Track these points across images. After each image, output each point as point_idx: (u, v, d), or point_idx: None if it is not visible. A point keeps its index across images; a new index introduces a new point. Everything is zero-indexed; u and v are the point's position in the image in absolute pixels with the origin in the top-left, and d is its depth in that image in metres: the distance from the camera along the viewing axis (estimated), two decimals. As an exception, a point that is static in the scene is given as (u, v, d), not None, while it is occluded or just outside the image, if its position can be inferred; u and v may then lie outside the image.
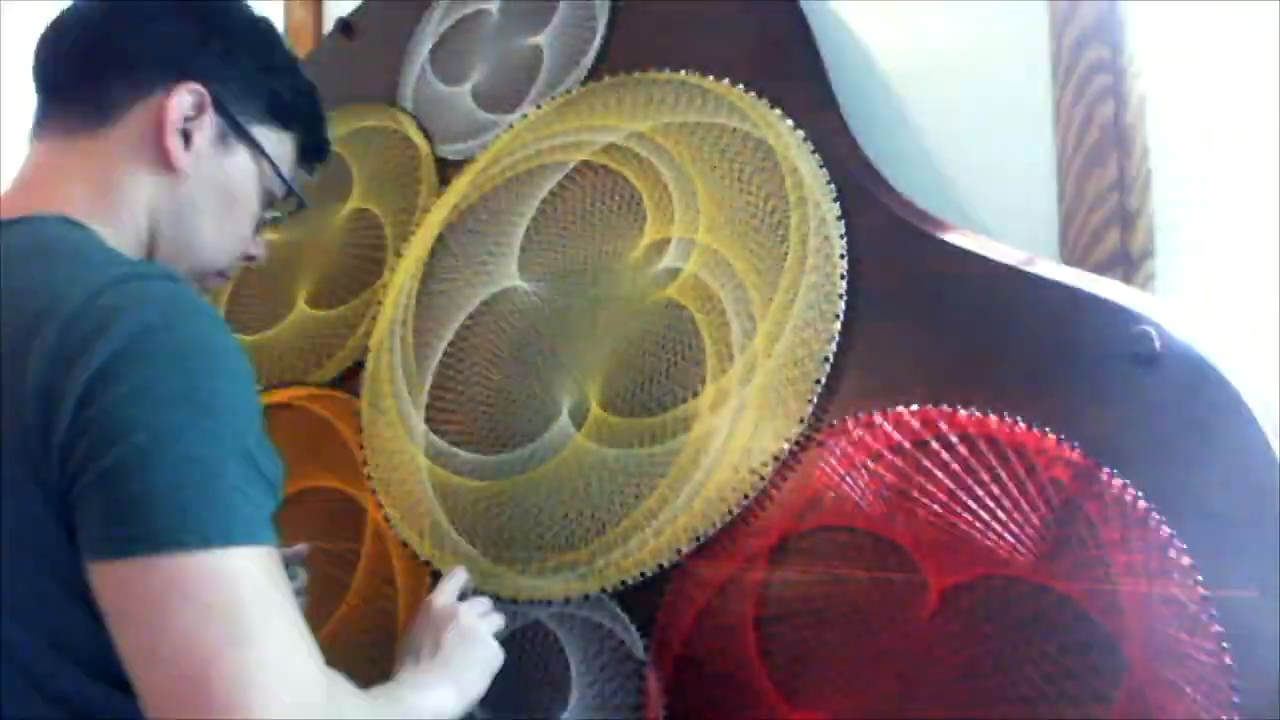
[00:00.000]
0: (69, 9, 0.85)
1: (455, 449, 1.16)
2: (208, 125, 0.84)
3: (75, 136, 0.82)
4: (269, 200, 0.92)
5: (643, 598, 1.01)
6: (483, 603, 1.01)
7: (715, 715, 0.96)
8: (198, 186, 0.85)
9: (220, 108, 0.84)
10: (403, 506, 1.18)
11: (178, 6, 0.85)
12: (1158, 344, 0.84)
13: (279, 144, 0.90)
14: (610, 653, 1.02)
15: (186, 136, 0.83)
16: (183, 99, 0.82)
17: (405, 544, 1.17)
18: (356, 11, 1.49)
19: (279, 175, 0.90)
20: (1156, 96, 1.01)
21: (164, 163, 0.82)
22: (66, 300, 0.69)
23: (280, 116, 0.90)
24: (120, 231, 0.82)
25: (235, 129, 0.86)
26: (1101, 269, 1.00)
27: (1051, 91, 1.03)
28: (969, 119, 1.08)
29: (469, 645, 0.95)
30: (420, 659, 0.94)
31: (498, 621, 1.00)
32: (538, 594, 1.06)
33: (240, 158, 0.87)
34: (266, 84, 0.88)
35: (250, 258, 0.94)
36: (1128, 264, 0.99)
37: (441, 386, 1.20)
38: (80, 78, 0.83)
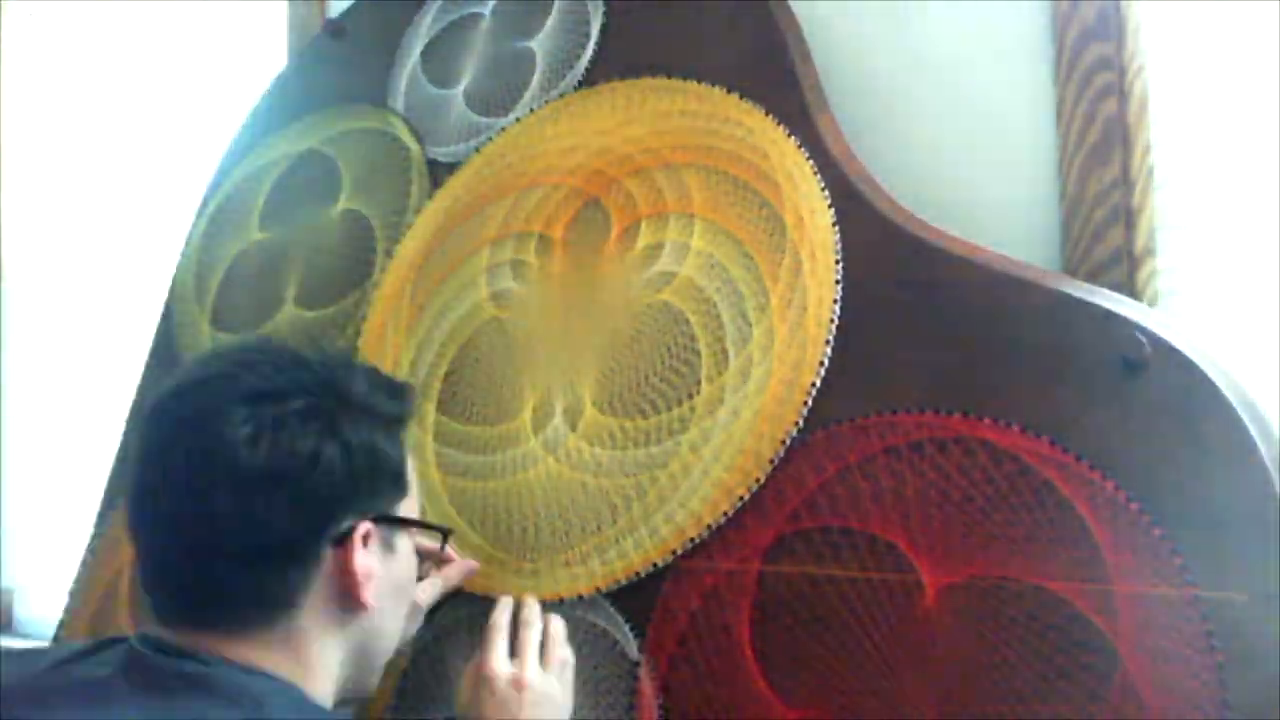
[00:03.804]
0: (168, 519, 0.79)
1: (449, 449, 1.16)
2: (375, 547, 0.82)
3: (250, 629, 0.77)
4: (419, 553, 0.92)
5: (637, 598, 1.02)
6: (536, 633, 0.96)
7: (710, 715, 0.96)
8: (382, 607, 0.83)
9: (376, 521, 0.82)
10: (391, 507, 1.18)
11: (303, 463, 0.77)
12: (1148, 349, 0.86)
13: (412, 499, 0.88)
14: (604, 653, 1.03)
15: (367, 574, 0.80)
16: (358, 552, 0.79)
17: (394, 544, 1.17)
18: (347, 12, 1.49)
19: (428, 531, 0.91)
20: (1159, 94, 1.02)
21: (353, 607, 0.80)
22: None
23: (404, 477, 0.87)
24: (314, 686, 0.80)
25: (395, 525, 0.84)
26: (1103, 266, 1.01)
27: (1053, 89, 1.05)
28: (970, 116, 1.09)
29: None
30: None
31: (565, 655, 0.97)
32: (532, 594, 1.07)
33: (405, 547, 0.87)
34: (389, 464, 0.84)
35: None
36: (1130, 261, 1.00)
37: (435, 388, 1.20)
38: (239, 581, 0.77)
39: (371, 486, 0.82)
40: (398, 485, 0.85)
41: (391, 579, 0.84)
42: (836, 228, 1.02)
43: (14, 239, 1.90)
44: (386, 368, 1.23)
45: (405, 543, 0.87)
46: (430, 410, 1.19)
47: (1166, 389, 0.85)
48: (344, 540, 0.79)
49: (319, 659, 0.80)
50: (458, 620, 1.11)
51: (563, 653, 0.98)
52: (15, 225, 1.90)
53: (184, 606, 0.78)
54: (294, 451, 0.76)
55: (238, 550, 0.76)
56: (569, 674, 0.97)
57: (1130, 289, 1.00)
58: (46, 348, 1.91)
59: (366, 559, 0.80)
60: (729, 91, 1.12)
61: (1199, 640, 0.80)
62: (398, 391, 0.87)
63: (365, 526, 0.80)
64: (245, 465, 0.75)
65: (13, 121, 1.84)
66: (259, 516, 0.75)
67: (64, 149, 1.86)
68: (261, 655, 0.77)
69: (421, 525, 0.89)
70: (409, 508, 0.88)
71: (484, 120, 1.29)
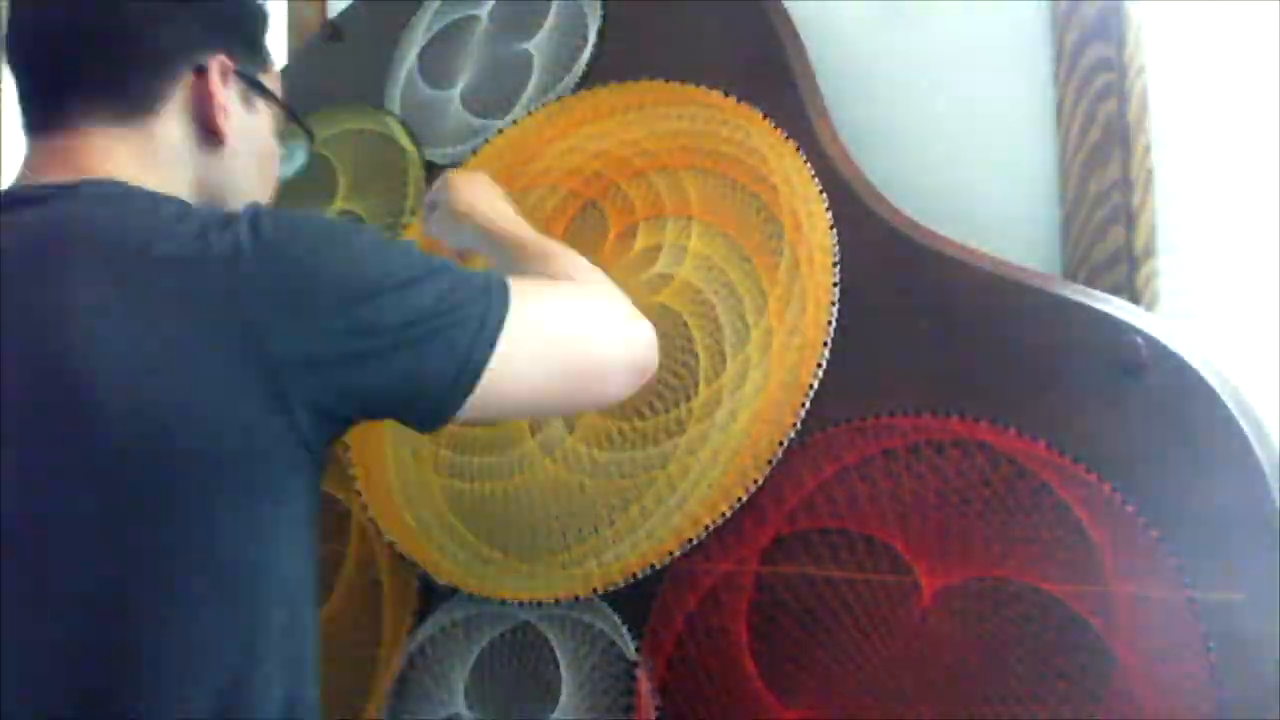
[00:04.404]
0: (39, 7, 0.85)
1: (445, 450, 1.16)
2: (234, 91, 0.87)
3: (110, 127, 0.83)
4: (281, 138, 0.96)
5: (635, 599, 1.02)
6: None
7: (707, 716, 0.97)
8: (239, 153, 0.88)
9: (238, 70, 0.88)
10: (389, 507, 1.19)
11: None
12: (1145, 353, 0.86)
13: (274, 80, 0.94)
14: (601, 654, 1.03)
15: (225, 108, 0.86)
16: (215, 76, 0.85)
17: (391, 545, 1.17)
18: (343, 14, 1.49)
19: (294, 117, 0.96)
20: (1159, 94, 1.02)
21: (211, 140, 0.86)
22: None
23: (263, 51, 0.93)
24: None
25: (253, 86, 0.90)
26: (1104, 267, 1.01)
27: (1053, 89, 1.05)
28: (970, 117, 1.09)
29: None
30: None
31: None
32: (528, 595, 1.07)
33: (262, 113, 0.91)
34: (248, 28, 0.91)
35: None
36: (1130, 262, 1.00)
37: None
38: (113, 71, 0.84)
39: (236, 39, 0.89)
40: (255, 51, 0.92)
41: (249, 130, 0.90)
42: (834, 230, 1.02)
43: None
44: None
45: (266, 112, 0.93)
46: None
47: (1163, 392, 0.85)
48: (204, 68, 0.85)
49: (170, 174, 0.84)
50: (454, 621, 1.12)
51: None
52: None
53: (57, 95, 0.84)
54: None
55: (114, 38, 0.84)
56: None
57: (1130, 290, 1.01)
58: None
59: (225, 94, 0.86)
60: (726, 94, 1.12)
61: (1195, 641, 0.81)
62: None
63: (226, 63, 0.86)
64: None
65: (13, 121, 1.84)
66: (136, 19, 0.84)
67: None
68: (120, 157, 0.82)
69: (274, 99, 0.93)
70: (275, 86, 0.94)
71: (481, 122, 1.29)
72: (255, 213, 0.75)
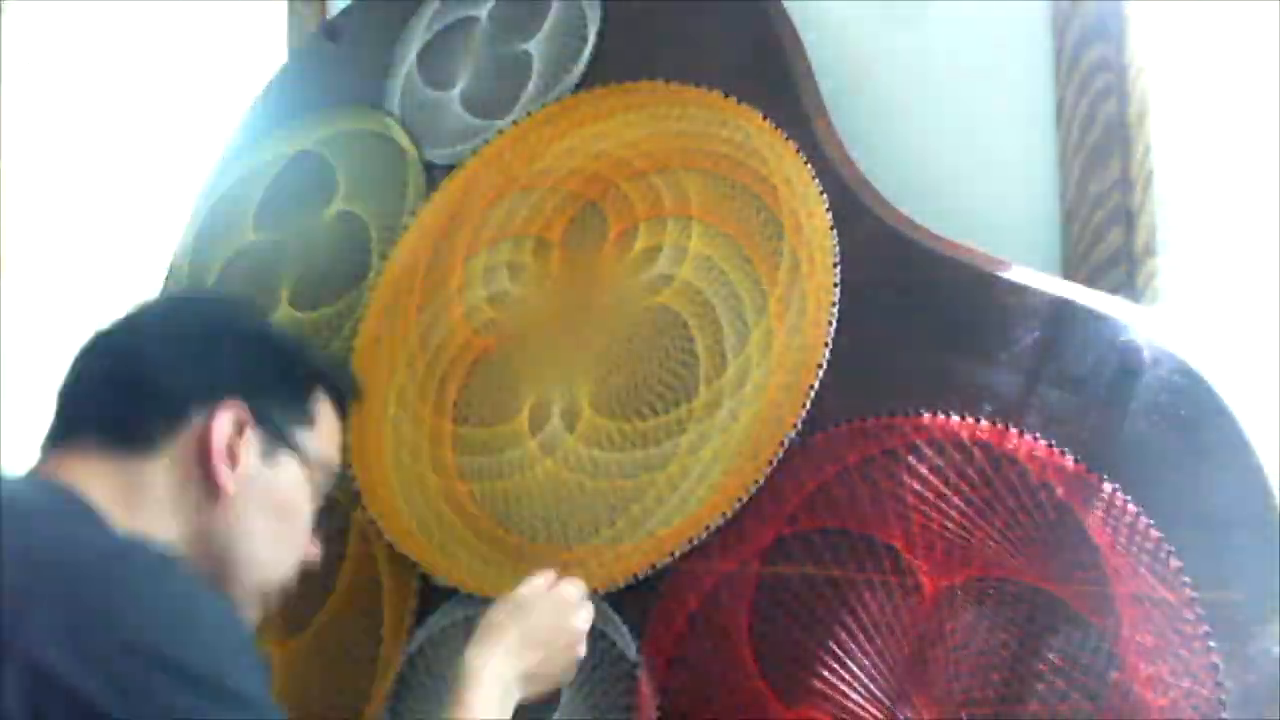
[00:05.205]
0: (101, 339, 0.85)
1: (444, 450, 1.16)
2: (252, 442, 0.83)
3: (110, 459, 0.80)
4: (320, 495, 0.90)
5: (635, 599, 1.02)
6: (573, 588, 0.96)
7: (708, 716, 0.97)
8: (247, 507, 0.83)
9: (260, 421, 0.83)
10: (389, 507, 1.18)
11: (202, 335, 0.86)
12: (1146, 353, 0.86)
13: (320, 434, 0.88)
14: (602, 654, 1.03)
15: (232, 457, 0.81)
16: (223, 422, 0.81)
17: (391, 545, 1.17)
18: (342, 14, 1.49)
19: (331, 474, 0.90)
20: (1159, 95, 1.03)
21: (211, 488, 0.81)
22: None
23: (304, 404, 0.88)
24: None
25: (280, 440, 0.85)
26: (1103, 267, 1.01)
27: (1054, 90, 1.05)
28: (970, 117, 1.10)
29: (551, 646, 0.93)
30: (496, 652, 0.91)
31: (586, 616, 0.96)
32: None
33: (289, 469, 0.85)
34: (280, 379, 0.87)
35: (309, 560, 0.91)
36: (1130, 262, 1.01)
37: (430, 390, 1.20)
38: (117, 408, 0.82)
39: (265, 388, 0.85)
40: (291, 403, 0.86)
41: (266, 490, 0.84)
42: (834, 230, 1.02)
43: (13, 239, 1.90)
44: (382, 370, 1.23)
45: (293, 467, 0.86)
46: (426, 413, 1.19)
47: (1164, 392, 0.85)
48: (214, 411, 0.81)
49: (154, 518, 0.80)
50: (455, 622, 1.12)
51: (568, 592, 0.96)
52: (14, 225, 1.90)
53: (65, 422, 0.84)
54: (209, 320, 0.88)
55: (127, 377, 0.83)
56: (570, 620, 0.95)
57: (1130, 290, 1.01)
58: (42, 349, 1.91)
59: (237, 445, 0.82)
60: (726, 95, 1.12)
61: (1197, 641, 0.81)
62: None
63: (241, 410, 0.82)
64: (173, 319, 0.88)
65: (13, 121, 1.84)
66: (156, 360, 0.83)
67: (63, 149, 1.86)
68: (104, 492, 0.79)
69: (303, 457, 0.86)
70: (315, 445, 0.87)
71: (481, 123, 1.29)
72: None
